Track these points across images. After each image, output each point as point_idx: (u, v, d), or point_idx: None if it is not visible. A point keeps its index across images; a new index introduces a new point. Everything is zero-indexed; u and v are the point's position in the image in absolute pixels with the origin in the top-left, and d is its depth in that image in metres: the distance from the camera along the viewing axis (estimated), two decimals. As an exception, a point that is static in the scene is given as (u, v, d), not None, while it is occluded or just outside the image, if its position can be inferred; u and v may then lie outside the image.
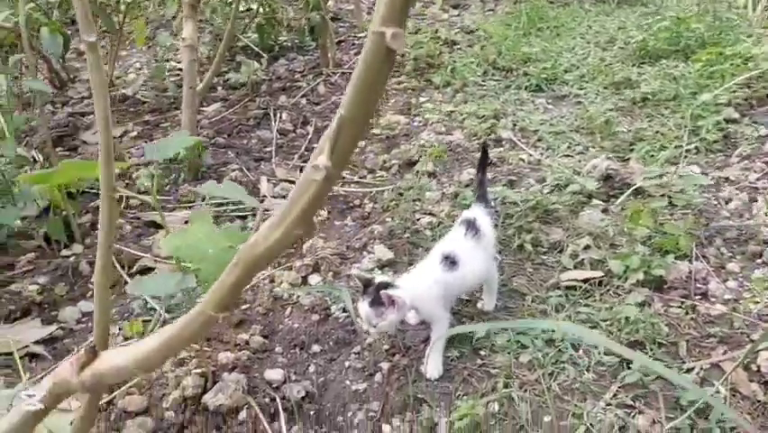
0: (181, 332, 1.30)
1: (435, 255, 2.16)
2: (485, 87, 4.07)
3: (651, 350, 2.09)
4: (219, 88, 4.32)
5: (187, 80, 3.11)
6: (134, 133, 3.77)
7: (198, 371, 2.10)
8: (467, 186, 3.02)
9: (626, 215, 2.64)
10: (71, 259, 2.73)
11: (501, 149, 3.32)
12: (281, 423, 1.96)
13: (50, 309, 2.51)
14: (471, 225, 2.22)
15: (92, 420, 1.58)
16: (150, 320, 2.37)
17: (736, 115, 3.38)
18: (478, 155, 3.25)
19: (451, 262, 2.12)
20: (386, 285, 2.01)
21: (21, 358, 2.20)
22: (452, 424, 1.88)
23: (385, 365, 2.16)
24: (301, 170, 3.36)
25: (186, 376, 2.08)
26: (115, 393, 2.07)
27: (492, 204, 2.48)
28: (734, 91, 3.52)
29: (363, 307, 2.01)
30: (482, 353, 2.16)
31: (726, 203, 2.81)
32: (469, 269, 2.14)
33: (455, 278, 2.11)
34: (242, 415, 1.98)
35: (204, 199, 2.89)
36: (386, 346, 2.24)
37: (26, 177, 1.80)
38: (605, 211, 2.77)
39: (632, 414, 1.90)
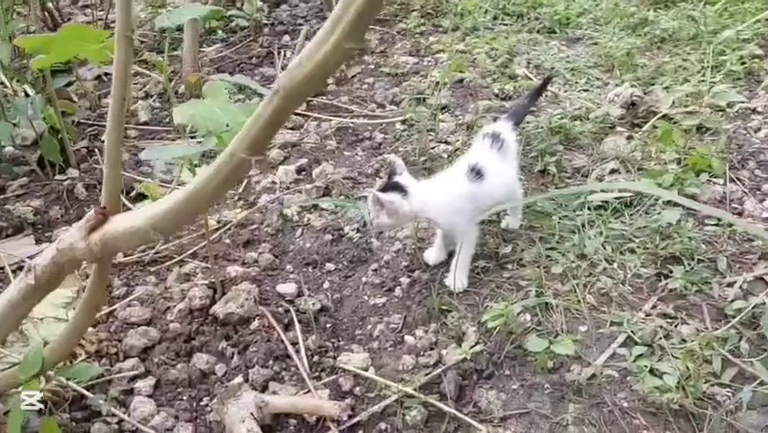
0: (207, 183, 1.13)
1: (460, 167, 2.00)
2: (495, 31, 3.89)
3: (689, 265, 1.95)
4: (220, 31, 4.13)
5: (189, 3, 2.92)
6: (133, 70, 3.58)
7: (206, 282, 1.94)
8: (483, 117, 2.86)
9: (656, 135, 2.49)
10: (66, 183, 2.56)
11: (516, 84, 3.15)
12: (297, 332, 1.81)
13: (44, 230, 2.34)
14: (497, 138, 2.06)
15: (100, 300, 1.42)
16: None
17: (760, 52, 3.23)
18: (493, 90, 3.12)
19: (477, 173, 1.94)
20: (395, 186, 1.86)
21: (13, 273, 2.04)
22: (484, 325, 1.73)
23: (405, 280, 2.01)
24: (307, 104, 3.19)
25: (192, 288, 1.92)
26: (116, 306, 1.91)
27: (520, 127, 2.31)
28: (757, 28, 3.37)
29: (370, 197, 1.85)
30: (509, 267, 2.01)
31: (756, 132, 2.66)
32: (495, 182, 1.97)
33: (482, 189, 1.94)
34: (254, 324, 1.83)
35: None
36: (405, 263, 2.09)
37: (23, 40, 1.62)
38: (629, 138, 2.62)
39: (674, 324, 1.76)
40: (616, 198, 2.24)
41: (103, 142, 2.81)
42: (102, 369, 1.64)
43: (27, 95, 3.08)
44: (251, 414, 1.48)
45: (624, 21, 3.79)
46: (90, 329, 1.78)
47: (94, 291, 1.37)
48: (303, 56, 1.00)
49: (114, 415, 1.55)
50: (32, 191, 2.55)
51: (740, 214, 2.19)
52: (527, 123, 2.68)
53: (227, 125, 1.42)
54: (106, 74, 3.45)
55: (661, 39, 3.54)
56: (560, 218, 2.18)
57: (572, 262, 1.96)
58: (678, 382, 1.55)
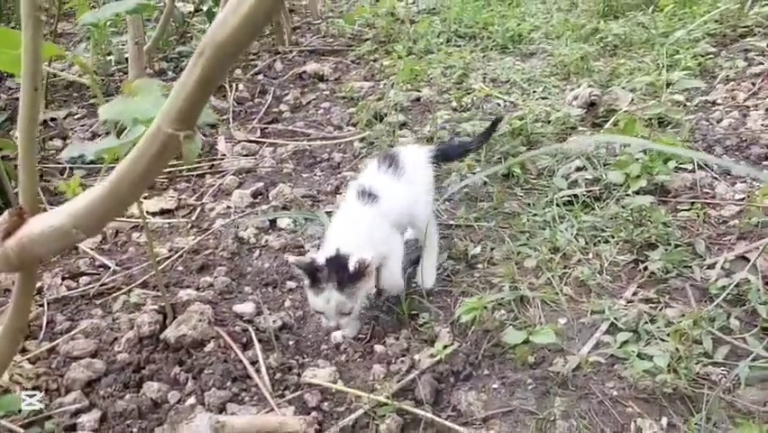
0: (132, 167, 1.01)
1: (351, 196, 1.81)
2: (449, 52, 3.87)
3: (666, 250, 1.87)
4: (170, 72, 4.05)
5: (131, 35, 2.84)
6: (79, 115, 3.47)
7: (155, 307, 1.80)
8: (443, 129, 2.79)
9: (619, 130, 2.43)
10: (6, 224, 2.40)
11: (473, 96, 3.11)
12: (257, 351, 1.67)
13: (-18, 273, 2.17)
14: (392, 160, 1.88)
15: (24, 321, 1.27)
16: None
17: (713, 49, 3.25)
18: (451, 104, 3.07)
19: (368, 195, 1.76)
20: (340, 259, 1.59)
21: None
22: (458, 324, 1.62)
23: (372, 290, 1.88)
24: (262, 132, 3.10)
25: (141, 315, 1.77)
26: (57, 341, 1.75)
27: (439, 158, 2.08)
28: (707, 28, 3.39)
29: (330, 297, 1.57)
30: (479, 266, 1.91)
31: (718, 122, 2.63)
32: (392, 204, 1.78)
33: (382, 210, 1.75)
34: (209, 347, 1.68)
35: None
36: (371, 274, 1.97)
37: None
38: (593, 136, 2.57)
39: (658, 307, 1.67)
40: (584, 193, 2.17)
41: (47, 181, 2.70)
42: (39, 403, 1.47)
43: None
44: (207, 437, 1.33)
45: (575, 33, 3.81)
46: (28, 366, 1.63)
47: (16, 310, 1.23)
48: (227, 10, 0.90)
49: (52, 454, 1.39)
50: (-30, 236, 2.39)
51: (713, 197, 2.13)
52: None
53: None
54: (52, 119, 3.34)
55: (614, 45, 3.56)
56: (528, 217, 2.10)
57: (545, 255, 1.87)
58: (669, 365, 1.45)
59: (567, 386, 1.47)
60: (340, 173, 2.64)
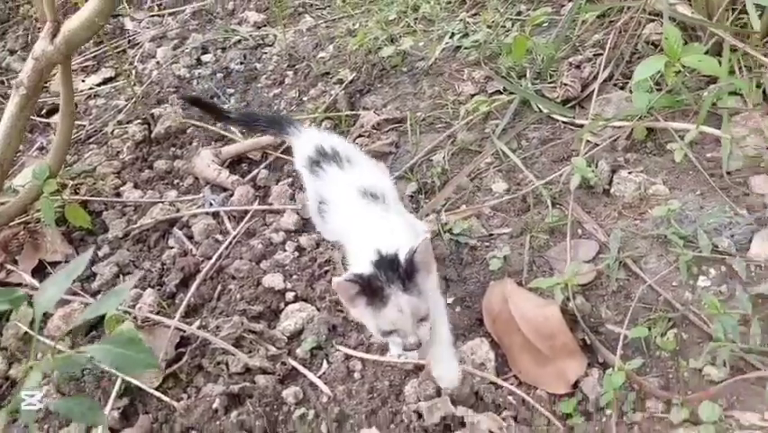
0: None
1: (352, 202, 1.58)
2: None
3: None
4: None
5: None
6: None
7: (138, 121, 2.61)
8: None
9: None
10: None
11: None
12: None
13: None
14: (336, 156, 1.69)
15: (72, 101, 2.05)
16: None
17: None
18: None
19: (371, 195, 1.59)
20: (391, 254, 1.35)
21: None
22: (354, 60, 2.51)
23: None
24: (158, 7, 3.79)
25: (130, 129, 2.58)
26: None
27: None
28: None
29: (400, 302, 1.32)
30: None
31: None
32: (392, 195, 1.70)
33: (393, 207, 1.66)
34: (189, 131, 2.52)
35: None
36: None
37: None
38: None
39: (479, 17, 2.60)
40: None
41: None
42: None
43: None
44: (212, 160, 2.19)
45: None
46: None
47: (66, 94, 2.01)
48: None
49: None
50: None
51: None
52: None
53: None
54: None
55: None
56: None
57: (401, 9, 2.75)
58: (485, 40, 2.38)
59: (429, 73, 2.40)
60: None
